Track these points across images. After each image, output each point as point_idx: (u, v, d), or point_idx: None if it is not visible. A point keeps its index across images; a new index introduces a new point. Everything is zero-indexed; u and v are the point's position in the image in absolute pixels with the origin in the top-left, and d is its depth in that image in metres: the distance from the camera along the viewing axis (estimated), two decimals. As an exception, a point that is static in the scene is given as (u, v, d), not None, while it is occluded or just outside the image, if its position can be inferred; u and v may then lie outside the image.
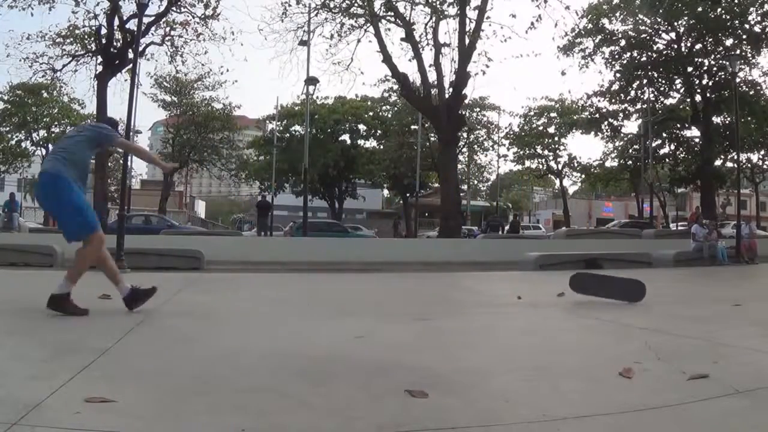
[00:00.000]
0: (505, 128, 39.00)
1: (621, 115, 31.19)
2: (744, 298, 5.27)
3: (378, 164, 37.45)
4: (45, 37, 21.38)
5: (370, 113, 39.61)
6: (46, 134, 35.07)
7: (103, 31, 19.88)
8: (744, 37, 23.71)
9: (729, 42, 24.25)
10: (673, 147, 31.32)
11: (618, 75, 27.09)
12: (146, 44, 20.39)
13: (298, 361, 2.66)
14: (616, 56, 26.70)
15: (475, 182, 48.10)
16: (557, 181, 44.21)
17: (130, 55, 18.22)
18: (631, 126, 32.98)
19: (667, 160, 31.92)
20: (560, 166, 39.54)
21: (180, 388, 2.10)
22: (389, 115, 38.82)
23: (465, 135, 35.16)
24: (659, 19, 24.72)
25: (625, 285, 5.04)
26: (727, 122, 26.55)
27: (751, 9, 22.86)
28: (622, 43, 26.34)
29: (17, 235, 15.87)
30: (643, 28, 26.10)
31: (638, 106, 29.80)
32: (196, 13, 20.30)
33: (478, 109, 37.96)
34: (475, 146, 40.72)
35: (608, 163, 36.31)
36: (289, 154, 35.22)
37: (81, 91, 64.11)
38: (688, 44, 25.53)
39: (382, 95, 35.95)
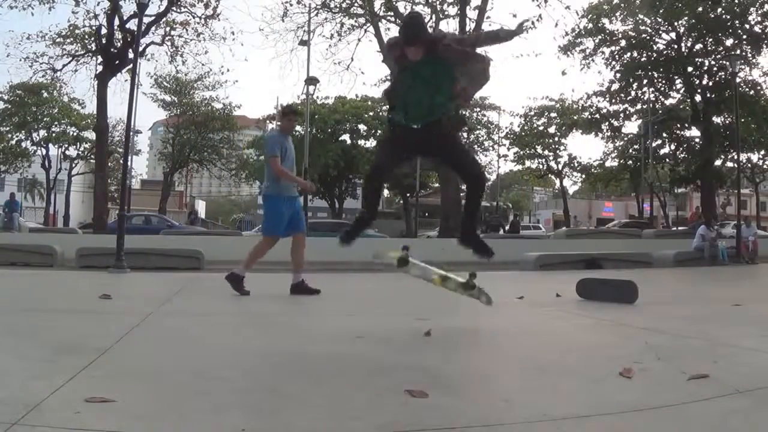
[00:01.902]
0: (506, 128, 39.07)
1: (621, 115, 31.20)
2: (744, 298, 5.27)
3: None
4: (45, 37, 21.47)
5: (371, 113, 39.62)
6: (46, 134, 35.07)
7: (103, 31, 19.92)
8: (744, 37, 23.70)
9: (729, 42, 24.24)
10: (673, 147, 31.31)
11: (618, 75, 27.10)
12: (146, 44, 20.45)
13: (298, 361, 2.66)
14: (617, 56, 26.69)
15: (475, 182, 47.95)
16: (557, 181, 44.24)
17: (130, 55, 18.25)
18: (631, 126, 33.02)
19: (667, 160, 31.92)
20: (560, 166, 39.55)
21: (180, 388, 2.10)
22: (389, 115, 38.76)
23: (465, 135, 35.16)
24: (659, 19, 24.72)
25: (620, 286, 5.04)
26: (727, 122, 26.53)
27: (752, 9, 22.86)
28: (623, 43, 26.34)
29: (17, 235, 15.88)
30: (644, 28, 26.09)
31: (638, 106, 29.79)
32: (196, 13, 20.37)
33: (478, 109, 37.97)
34: (476, 146, 40.72)
35: (608, 163, 36.34)
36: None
37: (81, 91, 64.31)
38: (688, 44, 25.52)
39: (382, 95, 35.93)
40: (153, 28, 19.99)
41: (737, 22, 23.20)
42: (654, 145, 29.85)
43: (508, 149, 39.66)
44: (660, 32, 26.18)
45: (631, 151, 34.03)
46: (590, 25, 25.81)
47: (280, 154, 5.27)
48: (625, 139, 34.04)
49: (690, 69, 25.37)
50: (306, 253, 5.60)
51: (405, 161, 3.81)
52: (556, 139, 37.75)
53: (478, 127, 38.89)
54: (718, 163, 28.51)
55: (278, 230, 5.38)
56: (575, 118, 33.87)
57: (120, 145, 32.62)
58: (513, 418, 1.82)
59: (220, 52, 63.91)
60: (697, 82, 25.85)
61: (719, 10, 23.08)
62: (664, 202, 36.57)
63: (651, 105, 28.48)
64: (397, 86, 3.46)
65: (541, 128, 37.37)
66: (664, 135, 30.61)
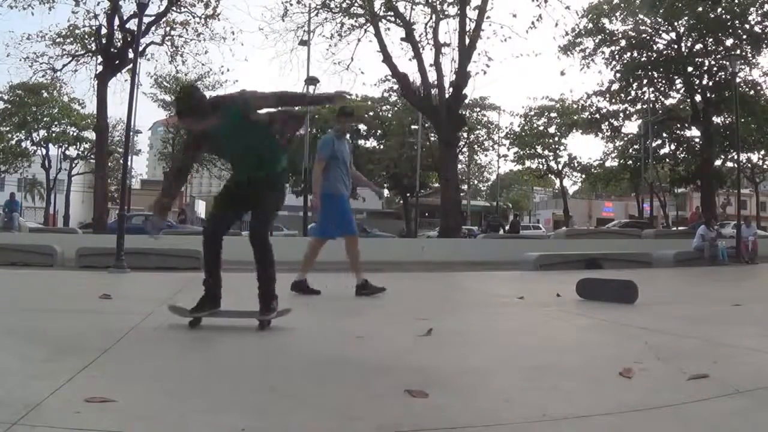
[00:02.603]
0: (506, 128, 39.08)
1: (621, 115, 31.22)
2: (744, 298, 5.27)
3: (378, 164, 37.46)
4: (45, 37, 21.48)
5: (371, 113, 39.63)
6: (46, 134, 35.11)
7: (103, 30, 19.94)
8: (744, 37, 23.71)
9: (729, 42, 24.24)
10: (673, 147, 31.33)
11: (618, 75, 27.10)
12: (146, 44, 20.46)
13: (298, 361, 2.66)
14: (617, 56, 26.70)
15: (476, 182, 48.13)
16: (557, 181, 44.25)
17: (130, 55, 18.27)
18: (631, 126, 33.04)
19: (667, 160, 31.94)
20: (560, 166, 39.57)
21: (180, 388, 2.10)
22: (389, 115, 38.82)
23: (465, 135, 35.17)
24: (659, 19, 24.72)
25: (620, 286, 5.04)
26: (727, 122, 26.55)
27: (752, 9, 22.86)
28: (623, 43, 26.35)
29: (17, 235, 15.85)
30: (644, 28, 26.10)
31: (638, 106, 29.82)
32: (196, 13, 20.38)
33: (478, 109, 37.98)
34: (476, 146, 40.75)
35: (608, 163, 36.38)
36: (290, 153, 35.15)
37: (81, 91, 64.26)
38: (688, 44, 25.53)
39: (382, 95, 36.00)
40: (153, 28, 20.02)
41: (737, 22, 23.20)
42: (654, 145, 29.87)
43: (508, 149, 39.75)
44: (660, 32, 26.19)
45: (631, 151, 34.04)
46: (590, 25, 25.81)
47: (334, 157, 5.42)
48: (625, 139, 34.07)
49: (690, 69, 25.37)
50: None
51: (238, 216, 3.84)
52: (556, 139, 37.79)
53: (478, 127, 38.90)
54: (718, 163, 28.52)
55: (354, 226, 5.70)
56: (575, 118, 33.88)
57: (120, 145, 32.65)
58: (513, 417, 1.82)
59: (220, 52, 63.96)
60: (697, 82, 25.85)
61: (719, 10, 23.08)
62: (664, 202, 36.59)
63: (651, 105, 28.50)
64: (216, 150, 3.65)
65: (541, 128, 37.39)
66: (664, 135, 30.64)
